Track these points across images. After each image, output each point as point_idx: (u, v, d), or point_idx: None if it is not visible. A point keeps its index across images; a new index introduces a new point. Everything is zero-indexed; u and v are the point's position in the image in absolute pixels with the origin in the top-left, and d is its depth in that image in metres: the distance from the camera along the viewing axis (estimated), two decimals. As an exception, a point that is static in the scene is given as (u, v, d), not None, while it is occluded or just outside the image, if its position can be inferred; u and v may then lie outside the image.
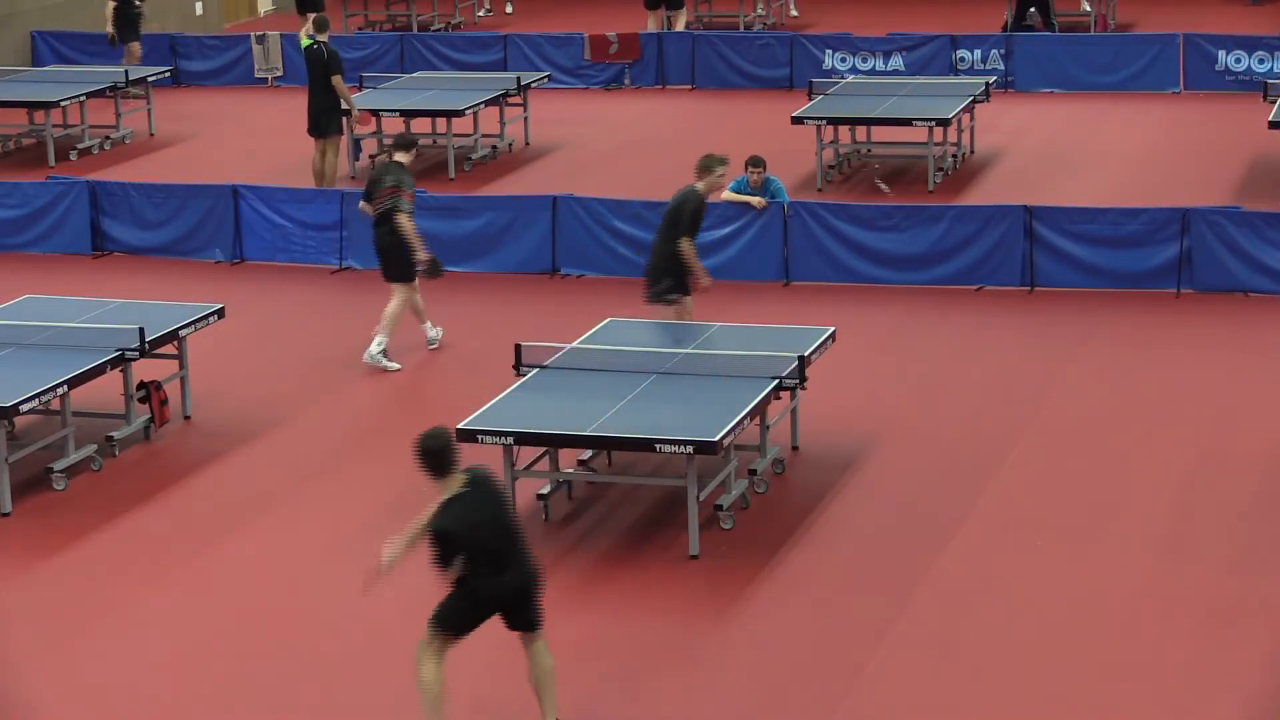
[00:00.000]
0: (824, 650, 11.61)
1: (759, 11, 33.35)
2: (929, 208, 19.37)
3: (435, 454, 10.58)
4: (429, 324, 17.29)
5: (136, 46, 28.71)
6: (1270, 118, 21.41)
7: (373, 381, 16.75)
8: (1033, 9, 30.22)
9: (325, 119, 22.13)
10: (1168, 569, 12.53)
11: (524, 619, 10.55)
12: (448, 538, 10.35)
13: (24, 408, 13.86)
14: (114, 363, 14.77)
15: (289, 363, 17.20)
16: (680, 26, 31.02)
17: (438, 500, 10.49)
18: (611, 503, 13.88)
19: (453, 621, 10.53)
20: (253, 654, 11.81)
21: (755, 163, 19.00)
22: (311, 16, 23.47)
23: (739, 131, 24.92)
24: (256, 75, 29.75)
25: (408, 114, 24.18)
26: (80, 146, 25.27)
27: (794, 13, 33.94)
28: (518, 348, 14.14)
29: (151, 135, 26.39)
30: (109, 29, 28.53)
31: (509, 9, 35.05)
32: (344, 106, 22.17)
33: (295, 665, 11.67)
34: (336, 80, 21.98)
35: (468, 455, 13.84)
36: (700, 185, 15.55)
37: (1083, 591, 12.25)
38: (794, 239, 19.16)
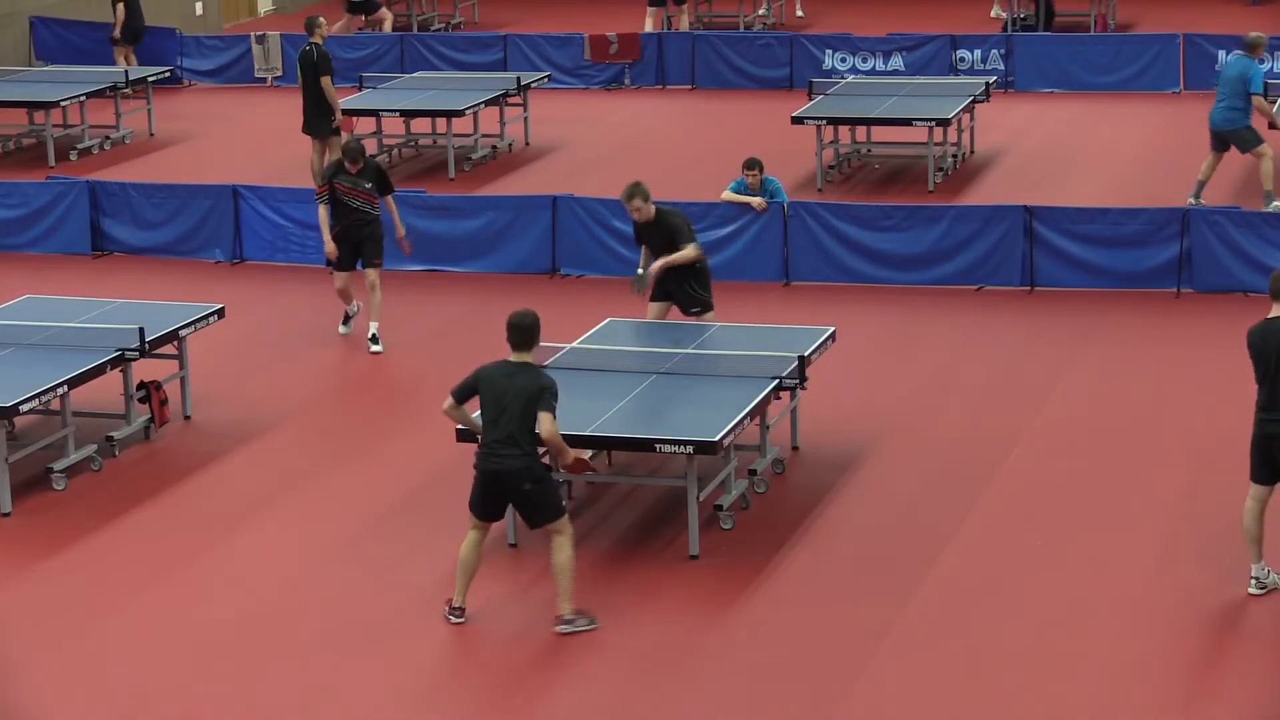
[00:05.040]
0: (824, 650, 11.61)
1: (760, 11, 33.31)
2: (929, 208, 19.38)
3: (512, 327, 11.98)
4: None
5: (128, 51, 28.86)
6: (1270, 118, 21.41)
7: (373, 381, 16.76)
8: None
9: (318, 120, 22.13)
10: (1168, 569, 12.53)
11: (522, 514, 12.09)
12: (472, 376, 12.04)
13: (24, 408, 13.86)
14: (114, 363, 14.77)
15: (289, 363, 17.20)
16: (683, 26, 31.01)
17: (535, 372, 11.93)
18: (611, 503, 13.88)
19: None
20: (253, 654, 11.80)
21: (751, 164, 19.01)
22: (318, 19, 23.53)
23: (739, 131, 24.93)
24: (256, 75, 29.78)
25: (408, 114, 24.20)
26: (80, 146, 25.27)
27: (800, 13, 33.86)
28: (518, 348, 14.13)
29: (151, 135, 26.40)
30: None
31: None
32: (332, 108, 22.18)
33: (296, 665, 11.66)
34: (325, 82, 21.99)
35: (467, 455, 13.87)
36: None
37: (1082, 592, 12.25)
38: (794, 239, 19.16)
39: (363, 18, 32.11)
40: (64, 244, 20.97)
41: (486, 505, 11.87)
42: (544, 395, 11.66)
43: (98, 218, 20.96)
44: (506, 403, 11.68)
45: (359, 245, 17.35)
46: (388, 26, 31.80)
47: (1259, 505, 12.10)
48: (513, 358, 11.94)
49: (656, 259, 15.40)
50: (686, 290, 15.46)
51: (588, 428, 12.97)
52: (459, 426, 12.95)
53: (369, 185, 17.25)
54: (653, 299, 15.64)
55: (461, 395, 12.00)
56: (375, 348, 17.28)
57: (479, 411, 12.01)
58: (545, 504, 11.80)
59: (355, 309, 17.76)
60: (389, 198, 17.52)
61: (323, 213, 17.38)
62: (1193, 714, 10.82)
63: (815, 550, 13.03)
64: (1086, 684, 11.10)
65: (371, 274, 17.34)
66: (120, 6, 28.63)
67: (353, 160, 17.17)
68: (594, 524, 13.33)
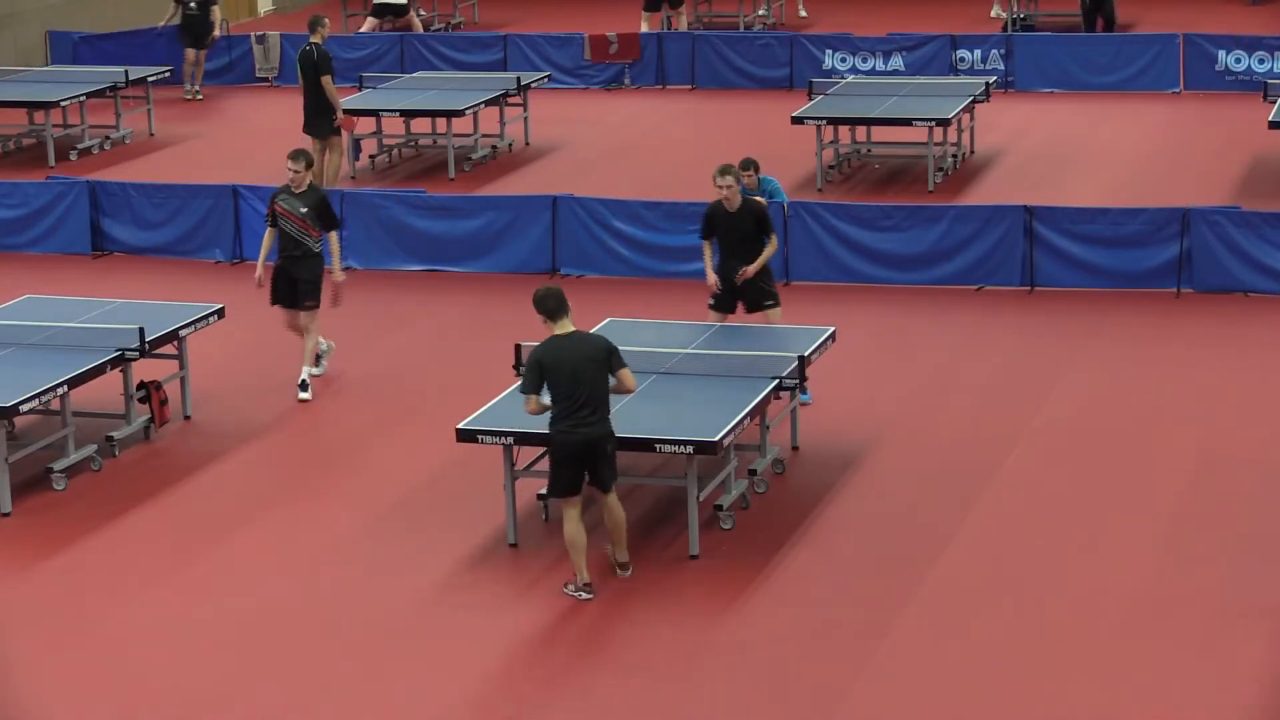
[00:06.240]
0: (824, 650, 11.61)
1: (760, 11, 33.31)
2: (929, 208, 19.37)
3: (542, 300, 12.24)
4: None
5: (194, 54, 28.91)
6: (1270, 118, 21.41)
7: (372, 381, 16.74)
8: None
9: (319, 119, 22.12)
10: (1168, 569, 12.53)
11: (597, 475, 12.25)
12: (533, 365, 12.12)
13: (24, 408, 13.86)
14: (114, 363, 14.78)
15: (289, 363, 17.17)
16: (682, 26, 31.02)
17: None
18: (611, 503, 13.89)
19: (554, 485, 12.28)
20: (252, 654, 11.81)
21: (745, 165, 18.97)
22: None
23: (739, 131, 24.92)
24: (257, 75, 29.77)
25: (408, 114, 24.19)
26: (80, 146, 25.27)
27: (803, 13, 33.86)
28: (518, 348, 14.12)
29: (151, 135, 26.39)
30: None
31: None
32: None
33: (295, 665, 11.67)
34: (325, 81, 21.98)
35: (467, 455, 13.89)
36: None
37: (1083, 591, 12.25)
38: (794, 239, 19.16)
39: (391, 19, 32.13)
40: (64, 244, 20.97)
41: (575, 476, 12.25)
42: (613, 356, 12.23)
43: (98, 218, 20.96)
44: (580, 374, 12.07)
45: (295, 283, 16.10)
46: (418, 27, 31.81)
47: None
48: (556, 330, 12.24)
49: (725, 253, 15.37)
50: (758, 283, 15.42)
51: (588, 428, 12.98)
52: (459, 427, 12.98)
53: (304, 210, 15.88)
54: (720, 307, 15.51)
55: (534, 387, 12.22)
56: (303, 395, 16.05)
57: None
58: (614, 464, 12.39)
59: (327, 348, 16.68)
60: (333, 235, 16.10)
61: (266, 236, 16.24)
62: (1192, 714, 10.82)
63: (815, 550, 13.04)
64: (1086, 684, 11.10)
65: (303, 317, 16.09)
66: (216, 9, 28.74)
67: (293, 159, 15.96)
68: (595, 524, 13.32)
